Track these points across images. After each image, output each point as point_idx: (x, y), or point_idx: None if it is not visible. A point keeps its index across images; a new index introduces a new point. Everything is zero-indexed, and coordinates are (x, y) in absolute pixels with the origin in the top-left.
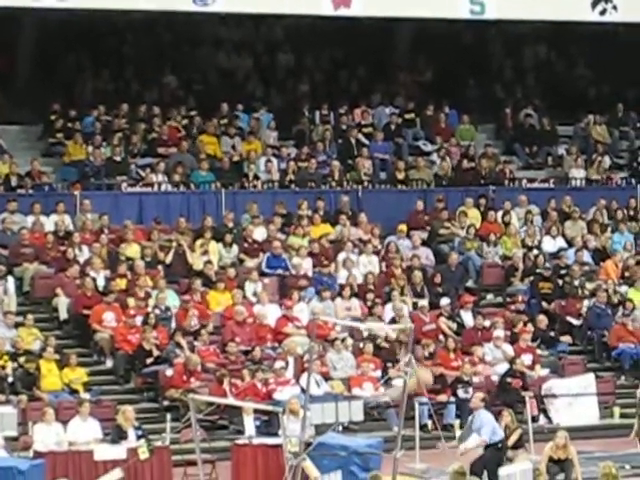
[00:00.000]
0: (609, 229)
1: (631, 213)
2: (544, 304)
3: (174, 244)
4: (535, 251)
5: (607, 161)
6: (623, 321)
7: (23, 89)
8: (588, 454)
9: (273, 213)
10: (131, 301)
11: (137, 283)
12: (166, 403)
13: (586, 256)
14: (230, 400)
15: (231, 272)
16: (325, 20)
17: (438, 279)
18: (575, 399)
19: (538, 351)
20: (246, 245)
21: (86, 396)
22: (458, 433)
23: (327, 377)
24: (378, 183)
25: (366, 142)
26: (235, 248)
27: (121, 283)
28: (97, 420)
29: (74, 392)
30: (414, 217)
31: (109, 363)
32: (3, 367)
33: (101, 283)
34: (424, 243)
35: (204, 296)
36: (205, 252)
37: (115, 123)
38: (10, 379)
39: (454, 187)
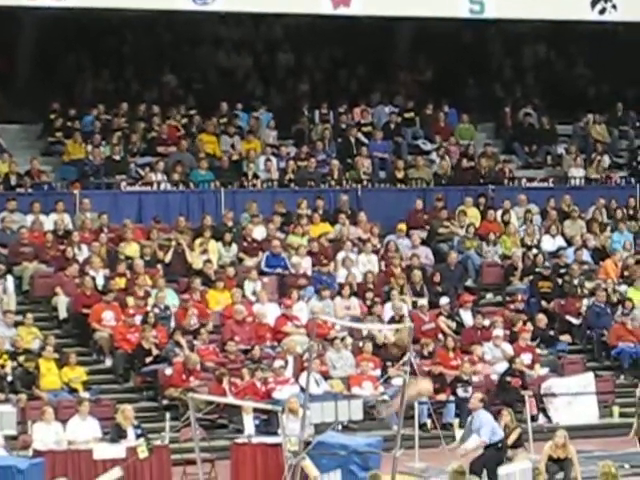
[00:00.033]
0: (608, 228)
1: (630, 212)
2: (543, 303)
3: (173, 243)
4: (534, 250)
5: (606, 160)
6: (622, 320)
7: (23, 88)
8: (587, 453)
9: (272, 212)
10: (130, 300)
11: (136, 282)
12: (165, 402)
13: (585, 255)
14: (229, 399)
15: (230, 271)
16: (325, 19)
17: (437, 278)
18: (574, 398)
19: (537, 350)
20: (245, 244)
21: (85, 395)
22: (457, 432)
23: (326, 376)
24: (377, 182)
25: (365, 141)
26: (234, 247)
27: (120, 282)
28: (96, 419)
29: (73, 391)
30: (413, 216)
31: (108, 362)
32: (2, 366)
33: (100, 282)
34: (423, 242)
35: (203, 295)
36: (204, 251)
37: (115, 122)
38: (9, 378)
39: (453, 186)
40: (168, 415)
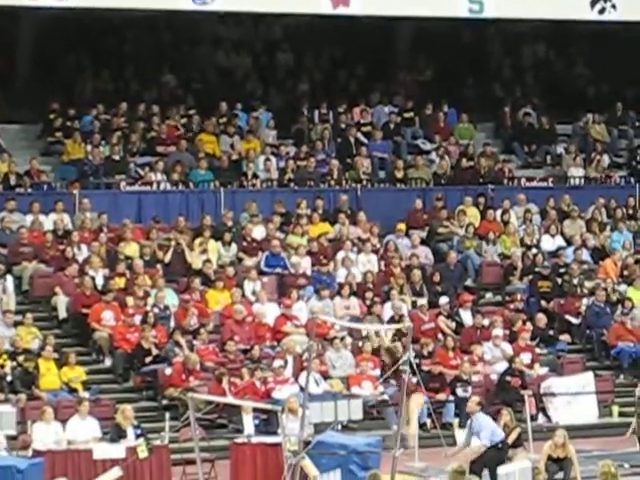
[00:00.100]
0: (608, 228)
1: (630, 212)
2: (543, 303)
3: (173, 243)
4: (534, 250)
5: (606, 160)
6: (622, 320)
7: (22, 88)
8: (587, 453)
9: (272, 212)
10: (130, 300)
11: (136, 282)
12: (165, 402)
13: (585, 255)
14: (229, 399)
15: (230, 271)
16: (324, 19)
17: (437, 278)
18: (574, 398)
19: (537, 350)
20: (245, 244)
21: (85, 395)
22: (457, 432)
23: (326, 376)
24: (377, 182)
25: (365, 141)
26: (234, 247)
27: (120, 282)
28: (96, 419)
29: (73, 391)
30: (413, 216)
31: (108, 362)
32: (2, 366)
33: (100, 282)
34: (423, 242)
35: (203, 295)
36: (204, 251)
37: (114, 122)
38: (9, 378)
39: (453, 186)
40: (168, 415)
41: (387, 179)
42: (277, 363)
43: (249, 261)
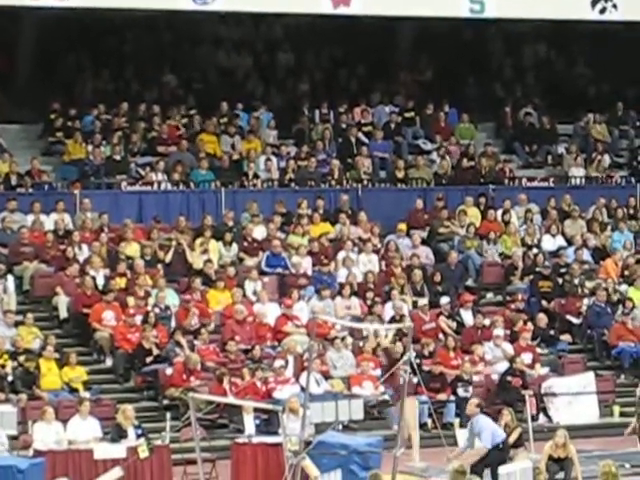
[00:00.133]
0: (609, 228)
1: (631, 212)
2: (544, 303)
3: (174, 243)
4: (535, 250)
5: (607, 160)
6: (623, 320)
7: (23, 88)
8: (588, 453)
9: (273, 212)
10: (131, 300)
11: (137, 282)
12: (166, 402)
13: (586, 255)
14: (230, 399)
15: (231, 271)
16: (325, 19)
17: (438, 278)
18: (575, 398)
19: (538, 350)
20: (246, 244)
21: (86, 395)
22: (458, 432)
23: (327, 376)
24: (378, 182)
25: (366, 141)
26: (235, 247)
27: (121, 282)
28: (97, 419)
29: (74, 391)
30: (414, 216)
31: (109, 362)
32: (3, 366)
33: (101, 282)
34: (424, 242)
35: (204, 295)
36: (205, 251)
37: (115, 122)
38: (10, 378)
39: (454, 186)
40: (169, 415)
41: (388, 179)
42: (278, 363)
43: (250, 261)
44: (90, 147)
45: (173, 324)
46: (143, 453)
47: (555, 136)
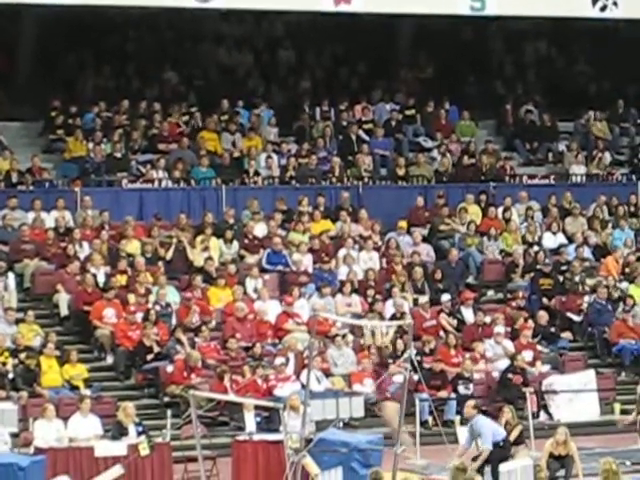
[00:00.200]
0: (610, 225)
1: (632, 209)
2: (544, 300)
3: (174, 240)
4: (535, 247)
5: (607, 157)
6: (624, 317)
7: (24, 86)
8: (589, 450)
9: (273, 209)
10: (131, 297)
11: (137, 279)
12: (167, 399)
13: (587, 252)
14: (231, 396)
15: (231, 268)
16: (326, 16)
17: (439, 275)
18: (576, 395)
19: (539, 347)
20: (246, 241)
21: (87, 392)
22: (458, 429)
23: (328, 373)
24: (378, 179)
25: (366, 138)
26: (235, 244)
27: (121, 279)
28: (98, 416)
29: (74, 388)
30: (414, 213)
31: (109, 359)
32: (4, 363)
33: (101, 279)
34: (424, 239)
35: (204, 292)
36: (205, 248)
37: (116, 119)
38: (11, 375)
39: (454, 183)
40: (169, 412)
41: (388, 176)
42: (279, 361)
43: (251, 258)
44: (91, 144)
45: (174, 321)
46: (144, 451)
47: (556, 133)
